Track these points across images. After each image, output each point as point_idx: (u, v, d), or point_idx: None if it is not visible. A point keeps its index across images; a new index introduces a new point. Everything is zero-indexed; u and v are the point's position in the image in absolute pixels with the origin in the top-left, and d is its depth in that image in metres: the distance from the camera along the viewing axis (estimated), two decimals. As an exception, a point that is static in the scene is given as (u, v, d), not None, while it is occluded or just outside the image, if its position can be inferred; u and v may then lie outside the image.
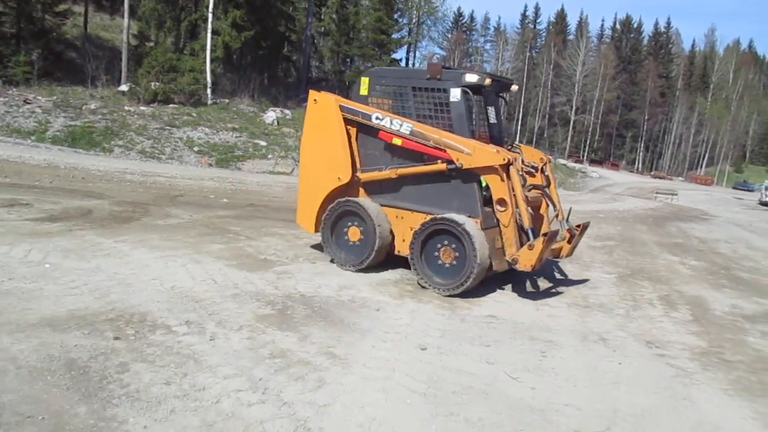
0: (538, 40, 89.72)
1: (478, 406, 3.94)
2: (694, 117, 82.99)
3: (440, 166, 6.59)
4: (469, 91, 6.61)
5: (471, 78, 6.59)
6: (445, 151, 6.48)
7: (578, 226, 7.25)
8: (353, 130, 7.18)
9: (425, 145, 6.61)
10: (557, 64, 76.97)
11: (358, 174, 7.12)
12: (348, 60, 42.91)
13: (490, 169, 6.35)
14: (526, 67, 79.52)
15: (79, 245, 6.65)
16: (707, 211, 22.99)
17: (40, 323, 4.39)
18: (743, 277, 9.48)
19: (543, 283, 7.53)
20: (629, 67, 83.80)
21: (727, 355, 5.49)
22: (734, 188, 64.67)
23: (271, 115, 23.42)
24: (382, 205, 7.04)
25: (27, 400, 3.35)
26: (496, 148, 6.41)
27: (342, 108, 7.09)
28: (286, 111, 25.17)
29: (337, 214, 7.13)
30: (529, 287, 7.25)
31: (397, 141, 6.81)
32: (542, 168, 7.32)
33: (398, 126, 6.75)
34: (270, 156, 20.13)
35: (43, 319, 4.46)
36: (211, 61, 24.54)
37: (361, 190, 7.24)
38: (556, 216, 7.20)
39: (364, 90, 7.24)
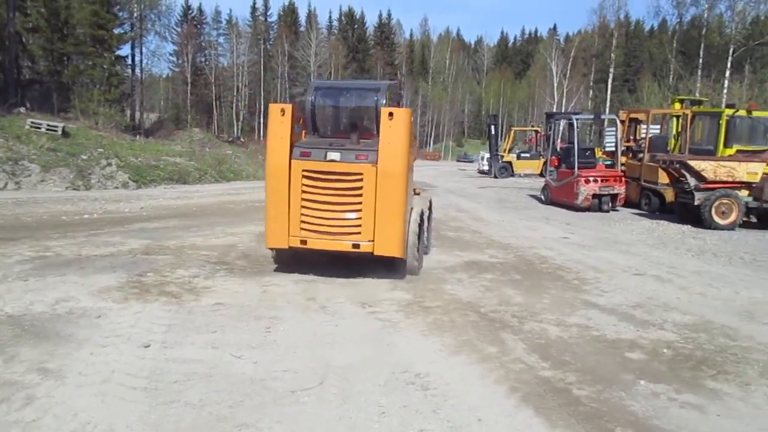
0: (271, 32, 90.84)
1: (200, 389, 4.10)
2: (419, 99, 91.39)
3: None
4: None
5: None
6: None
7: None
8: None
9: None
10: (291, 55, 78.75)
11: None
12: (65, 58, 39.05)
13: None
14: (262, 60, 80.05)
15: None
16: (430, 183, 25.65)
17: None
18: (449, 235, 10.96)
19: (270, 265, 7.88)
20: (358, 56, 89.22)
21: (427, 302, 6.39)
22: (458, 161, 72.81)
23: (-29, 124, 20.47)
24: None
25: None
26: None
27: None
28: (-8, 119, 22.18)
29: None
30: (254, 270, 7.55)
31: None
32: None
33: None
34: (-25, 171, 17.65)
35: None
36: None
37: None
38: None
39: None
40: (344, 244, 6.96)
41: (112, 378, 4.21)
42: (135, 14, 44.92)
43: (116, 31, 40.58)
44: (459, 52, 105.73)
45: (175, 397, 3.97)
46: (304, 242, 7.04)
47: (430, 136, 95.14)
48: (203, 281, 6.89)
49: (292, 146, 6.96)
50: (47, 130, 22.78)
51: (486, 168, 35.79)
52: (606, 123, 17.38)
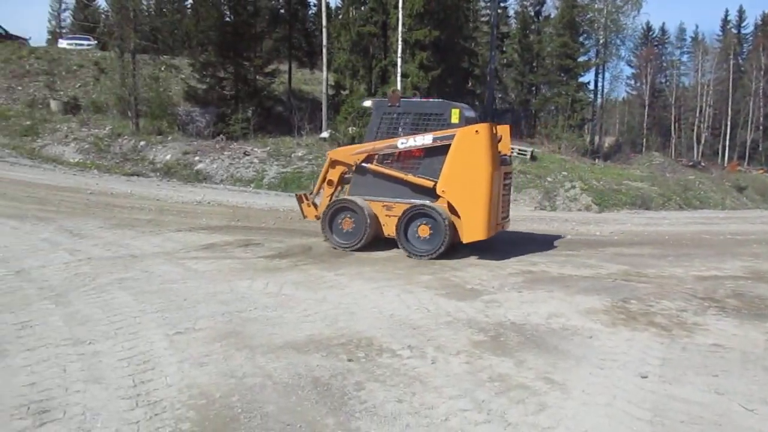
0: (744, 45, 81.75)
1: (713, 437, 3.77)
2: None
3: None
4: None
5: None
6: None
7: None
8: None
9: None
10: (770, 69, 69.27)
11: None
12: (534, 88, 42.58)
13: None
14: (731, 77, 72.59)
15: (306, 278, 7.45)
16: None
17: (285, 346, 5.02)
18: None
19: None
20: None
21: None
22: None
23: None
24: None
25: (285, 410, 3.88)
26: None
27: None
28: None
29: None
30: (751, 313, 6.67)
31: None
32: None
33: None
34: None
35: (287, 343, 5.10)
36: (402, 102, 25.80)
37: None
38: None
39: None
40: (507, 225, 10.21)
41: (614, 403, 4.20)
42: (600, 41, 45.88)
43: (581, 59, 42.25)
44: None
45: (685, 439, 3.72)
46: (497, 227, 9.38)
47: None
48: (692, 317, 6.42)
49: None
50: (518, 154, 25.10)
51: None
52: None
